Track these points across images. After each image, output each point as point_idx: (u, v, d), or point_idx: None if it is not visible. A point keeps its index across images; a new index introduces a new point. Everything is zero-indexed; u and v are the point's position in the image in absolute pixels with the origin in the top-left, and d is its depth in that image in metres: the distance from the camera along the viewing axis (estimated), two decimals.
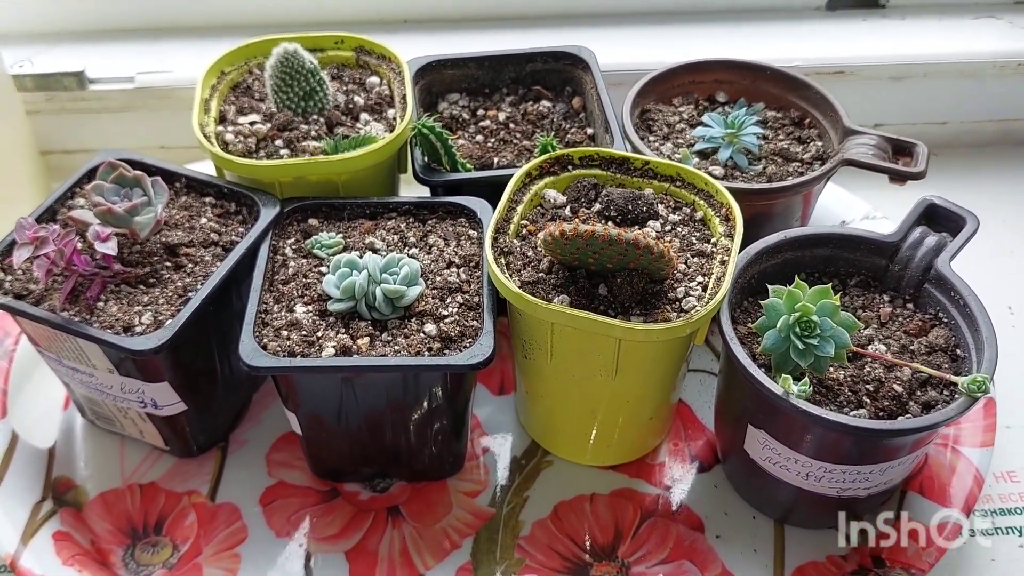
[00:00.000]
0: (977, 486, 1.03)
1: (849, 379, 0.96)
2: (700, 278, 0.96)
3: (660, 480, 1.10)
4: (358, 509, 1.07)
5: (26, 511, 1.02)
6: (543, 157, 1.05)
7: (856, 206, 1.31)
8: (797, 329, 0.93)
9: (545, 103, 1.25)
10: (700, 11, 1.55)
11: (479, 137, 1.21)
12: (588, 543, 1.04)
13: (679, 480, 1.10)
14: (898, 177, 1.10)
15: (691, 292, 0.95)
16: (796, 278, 0.96)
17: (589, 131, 1.20)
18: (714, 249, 0.99)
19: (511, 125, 1.22)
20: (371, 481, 1.09)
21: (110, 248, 0.94)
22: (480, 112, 1.24)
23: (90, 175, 1.08)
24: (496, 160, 1.16)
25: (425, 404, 0.98)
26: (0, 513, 1.00)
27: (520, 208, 1.02)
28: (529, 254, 0.98)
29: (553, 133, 1.21)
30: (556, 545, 1.04)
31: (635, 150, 1.12)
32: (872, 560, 1.01)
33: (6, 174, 1.33)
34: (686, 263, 0.98)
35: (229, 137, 1.10)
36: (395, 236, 1.05)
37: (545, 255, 0.97)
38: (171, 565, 1.02)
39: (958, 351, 0.98)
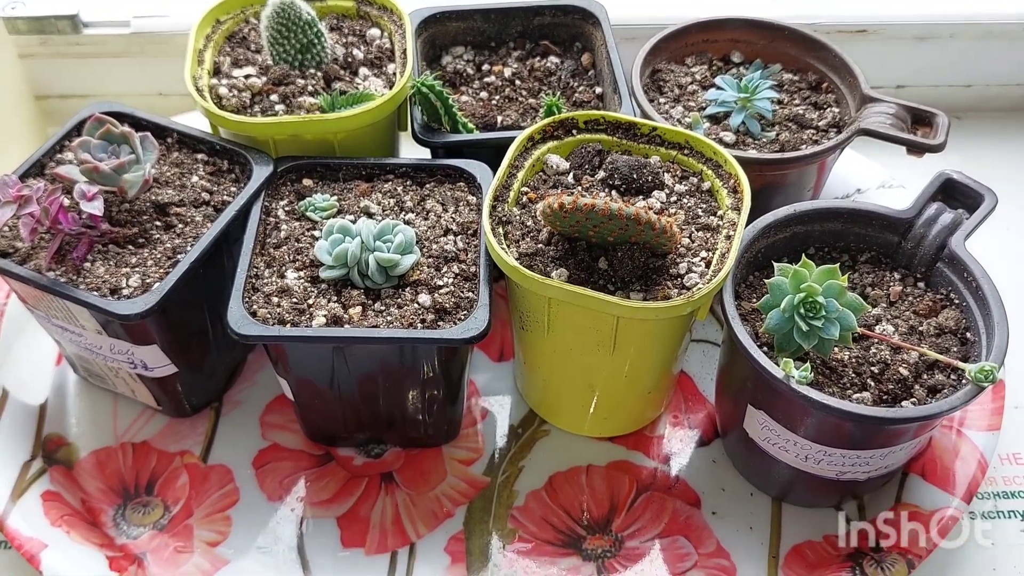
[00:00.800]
0: (981, 471, 1.00)
1: (854, 360, 0.93)
2: (704, 253, 0.93)
3: (658, 453, 1.08)
4: (351, 474, 1.06)
5: (15, 470, 1.01)
6: (546, 121, 1.01)
7: (872, 174, 1.27)
8: (802, 310, 0.90)
9: (553, 59, 1.20)
10: None
11: (483, 94, 1.17)
12: (583, 515, 1.03)
13: (677, 454, 1.08)
14: (916, 149, 1.06)
15: (694, 268, 0.92)
16: (803, 256, 0.93)
17: (598, 90, 1.16)
18: (720, 222, 0.96)
19: (517, 82, 1.18)
20: (365, 446, 1.08)
21: (96, 208, 0.92)
22: (485, 67, 1.20)
23: (79, 128, 1.05)
24: (500, 119, 1.12)
25: (419, 375, 0.96)
26: None
27: (521, 174, 0.99)
28: (528, 223, 0.95)
29: (560, 92, 1.17)
30: (550, 517, 1.03)
31: (643, 113, 1.08)
32: (869, 546, 0.99)
33: (1, 120, 1.30)
34: (690, 237, 0.95)
35: (223, 91, 1.07)
36: (391, 200, 1.02)
37: (545, 225, 0.94)
38: (162, 526, 1.01)
39: (968, 334, 0.95)
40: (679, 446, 1.09)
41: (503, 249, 0.91)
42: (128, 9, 1.34)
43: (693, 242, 0.94)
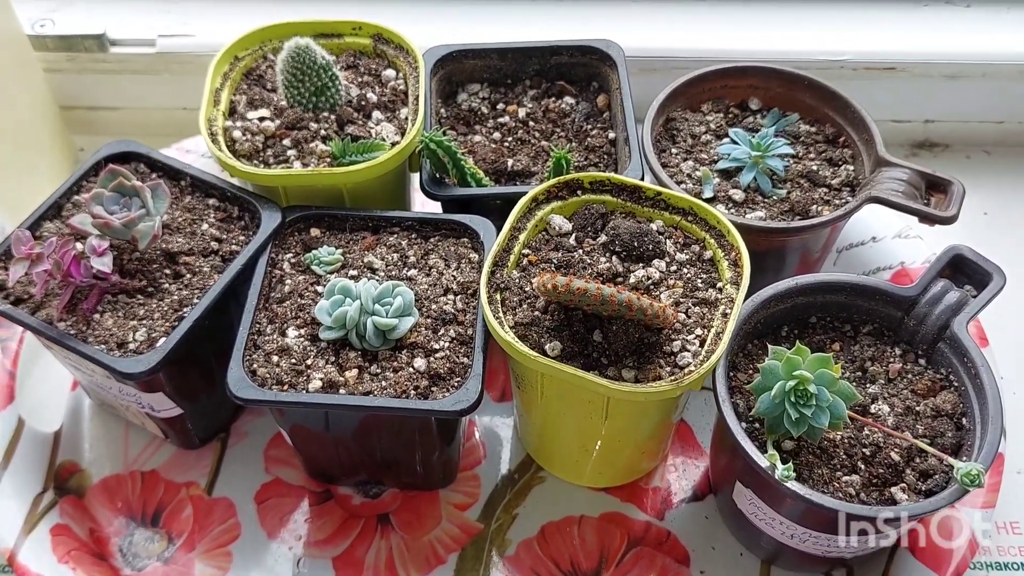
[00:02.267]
0: (971, 551, 1.00)
1: (846, 441, 0.94)
2: (699, 330, 0.93)
3: (651, 506, 1.09)
4: (349, 514, 1.09)
5: (27, 503, 1.05)
6: (551, 182, 1.01)
7: (889, 222, 1.25)
8: (792, 397, 0.90)
9: (568, 99, 1.20)
10: None
11: (496, 135, 1.17)
12: (572, 568, 1.05)
13: (670, 508, 1.09)
14: (927, 219, 1.04)
15: (688, 346, 0.92)
16: (798, 340, 0.93)
17: (611, 135, 1.15)
18: (718, 296, 0.96)
19: (530, 123, 1.18)
20: (363, 486, 1.10)
21: (105, 264, 0.94)
22: (500, 106, 1.20)
23: (96, 168, 1.07)
24: (511, 163, 1.13)
25: (414, 435, 0.98)
26: (3, 506, 1.04)
27: (523, 236, 0.99)
28: (527, 289, 0.96)
29: (573, 135, 1.16)
30: (539, 568, 1.05)
31: (652, 170, 1.08)
32: None
33: (26, 129, 1.32)
34: (687, 312, 0.95)
35: (237, 134, 1.08)
36: (395, 255, 1.03)
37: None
38: (165, 559, 1.05)
39: (964, 420, 0.95)
40: (673, 500, 1.10)
41: (498, 321, 0.92)
42: (154, 27, 1.35)
43: (689, 318, 0.94)
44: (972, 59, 1.33)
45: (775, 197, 1.09)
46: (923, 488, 0.91)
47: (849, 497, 0.90)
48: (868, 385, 0.98)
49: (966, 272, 1.01)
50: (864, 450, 0.93)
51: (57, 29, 1.33)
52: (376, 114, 1.12)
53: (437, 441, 1.01)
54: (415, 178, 1.16)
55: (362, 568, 1.05)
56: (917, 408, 0.96)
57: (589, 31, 1.22)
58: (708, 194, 1.09)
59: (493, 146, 1.15)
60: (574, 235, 1.01)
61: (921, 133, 1.41)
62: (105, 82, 1.38)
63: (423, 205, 1.20)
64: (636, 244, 0.98)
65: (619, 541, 1.07)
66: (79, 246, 0.98)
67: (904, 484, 0.91)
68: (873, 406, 0.96)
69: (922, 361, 1.00)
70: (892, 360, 1.00)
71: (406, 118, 1.12)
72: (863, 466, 0.92)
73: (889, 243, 1.24)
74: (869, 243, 1.24)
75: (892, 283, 1.01)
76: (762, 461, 0.88)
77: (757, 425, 0.94)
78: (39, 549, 1.02)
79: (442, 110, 1.18)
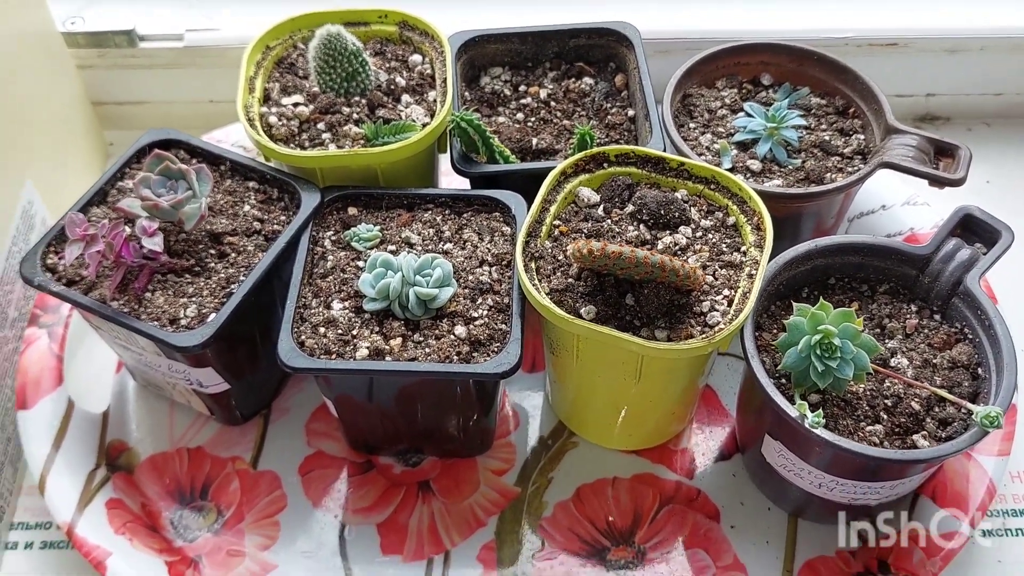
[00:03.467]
0: (989, 496, 1.05)
1: (868, 393, 0.98)
2: (727, 291, 0.98)
3: (681, 466, 1.14)
4: (391, 483, 1.13)
5: (82, 479, 1.09)
6: (578, 156, 1.06)
7: (898, 190, 1.30)
8: (818, 351, 0.94)
9: (587, 80, 1.24)
10: None
11: (519, 115, 1.21)
12: (607, 527, 1.09)
13: (699, 467, 1.14)
14: (936, 183, 1.09)
15: (716, 306, 0.97)
16: (825, 285, 0.97)
17: (630, 112, 1.20)
18: (743, 259, 1.00)
19: (552, 103, 1.22)
20: (404, 455, 1.15)
21: (156, 244, 0.98)
22: (522, 88, 1.24)
23: (139, 156, 1.11)
24: (535, 142, 1.17)
25: (455, 399, 1.03)
26: (58, 483, 1.08)
27: (553, 208, 1.04)
28: (560, 257, 1.00)
29: (593, 114, 1.21)
30: (576, 528, 1.09)
31: (673, 145, 1.12)
32: (878, 564, 1.04)
33: (61, 125, 1.36)
34: (714, 275, 0.99)
35: (273, 120, 1.12)
36: (431, 230, 1.07)
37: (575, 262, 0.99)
38: (216, 530, 1.09)
39: (979, 370, 0.99)
40: (701, 460, 1.14)
41: (535, 287, 0.97)
42: (181, 22, 1.39)
43: (716, 280, 0.99)
44: (971, 33, 1.38)
45: (790, 166, 1.14)
46: (943, 435, 0.95)
47: (873, 445, 0.95)
48: (887, 340, 1.03)
49: (975, 231, 1.05)
50: (886, 401, 0.98)
51: (88, 26, 1.37)
52: (405, 97, 1.16)
53: (476, 407, 1.05)
54: (442, 159, 1.21)
55: (406, 533, 1.09)
56: (934, 360, 1.01)
57: (601, 15, 1.27)
58: (727, 165, 1.14)
59: (517, 126, 1.19)
60: (602, 206, 1.05)
61: (923, 107, 1.46)
62: (134, 77, 1.42)
63: (449, 184, 1.25)
64: (663, 212, 1.02)
65: (651, 500, 1.11)
66: (127, 229, 1.02)
67: (925, 432, 0.96)
68: (893, 360, 1.01)
69: (937, 316, 1.05)
70: (909, 316, 1.04)
71: (434, 100, 1.16)
72: (885, 416, 0.97)
73: (898, 210, 1.29)
74: (879, 211, 1.29)
75: (906, 243, 1.06)
76: (792, 411, 0.93)
77: (784, 380, 0.99)
78: (96, 522, 1.06)
79: (466, 93, 1.23)
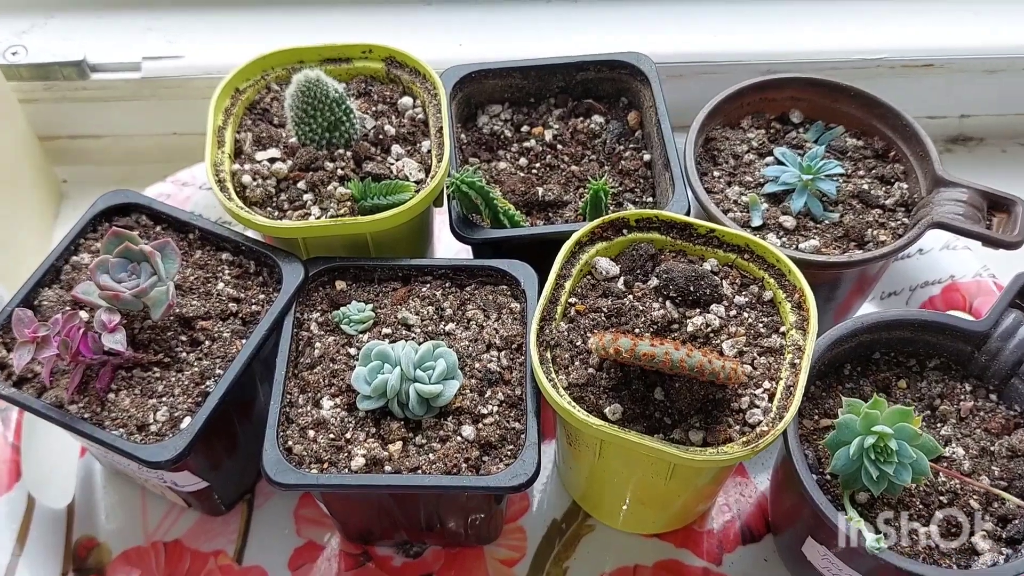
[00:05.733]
0: None
1: (922, 490, 0.88)
2: (767, 383, 0.87)
3: (708, 551, 1.04)
4: None
5: None
6: (595, 223, 0.94)
7: (935, 234, 1.17)
8: (872, 455, 0.84)
9: (597, 118, 1.12)
10: None
11: (522, 160, 1.09)
12: None
13: (727, 551, 1.04)
14: (991, 244, 0.99)
15: (756, 401, 0.86)
16: (875, 396, 0.86)
17: (646, 156, 1.08)
18: (783, 343, 0.89)
19: (558, 146, 1.10)
20: (403, 546, 1.04)
21: (119, 343, 0.86)
22: (524, 128, 1.12)
23: (94, 224, 0.99)
24: (541, 192, 1.05)
25: (460, 502, 0.92)
26: None
27: (568, 283, 0.92)
28: (578, 343, 0.89)
29: (605, 158, 1.09)
30: None
31: (699, 201, 1.00)
32: None
33: (5, 165, 1.22)
34: (752, 363, 0.88)
35: (247, 179, 0.99)
36: (430, 307, 0.95)
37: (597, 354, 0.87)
38: None
39: None
40: (729, 543, 1.05)
41: (552, 384, 0.85)
42: (137, 49, 1.24)
43: (756, 369, 0.88)
44: (1012, 53, 1.26)
45: (827, 221, 1.03)
46: (1003, 535, 0.86)
47: (929, 550, 0.85)
48: (939, 425, 0.93)
49: None
50: (941, 498, 0.88)
51: (31, 57, 1.22)
52: (395, 148, 1.03)
53: (485, 507, 0.94)
54: (436, 213, 1.09)
55: None
56: (992, 448, 0.91)
57: (604, 36, 1.14)
58: (757, 222, 1.02)
59: (521, 175, 1.07)
60: (622, 279, 0.94)
61: (956, 128, 1.35)
62: (86, 110, 1.28)
63: (443, 242, 1.13)
64: (692, 288, 0.91)
65: None
66: (83, 315, 0.90)
67: (983, 531, 0.86)
68: (947, 448, 0.91)
69: (993, 396, 0.95)
70: (963, 397, 0.94)
71: (428, 151, 1.03)
72: (940, 515, 0.87)
73: (936, 255, 1.18)
74: (916, 256, 1.18)
75: (960, 317, 0.95)
76: (847, 528, 0.83)
77: (828, 476, 0.89)
78: None
79: (462, 135, 1.10)
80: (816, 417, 0.93)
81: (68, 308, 0.92)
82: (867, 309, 1.15)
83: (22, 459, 1.05)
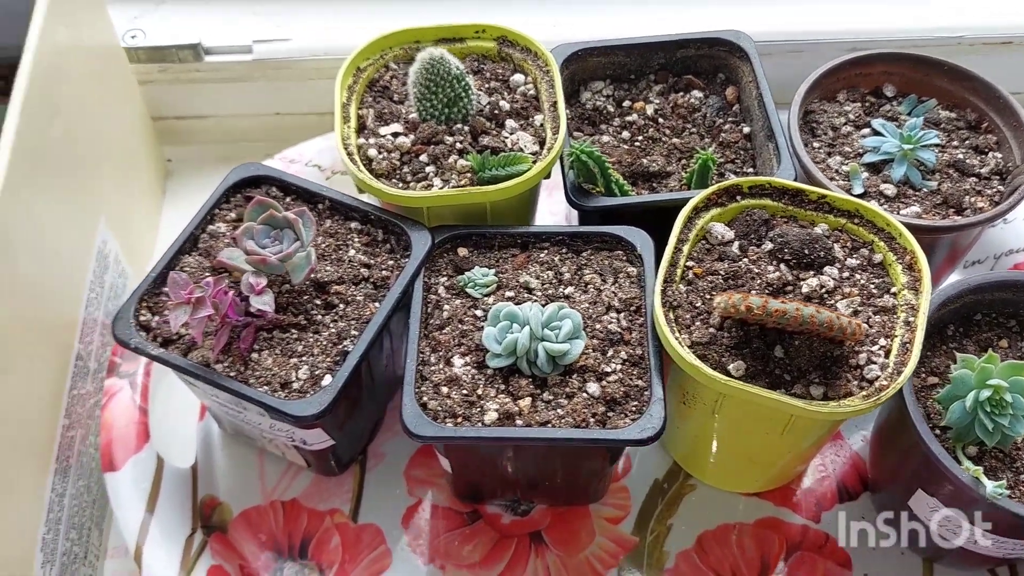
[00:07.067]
0: None
1: None
2: (883, 340, 0.91)
3: (806, 509, 1.08)
4: (501, 534, 1.06)
5: (180, 547, 1.02)
6: (710, 190, 0.98)
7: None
8: (987, 407, 0.88)
9: (696, 93, 1.15)
10: None
11: (625, 134, 1.13)
12: None
13: (824, 509, 1.08)
14: None
15: (873, 358, 0.90)
16: (990, 350, 0.90)
17: (745, 129, 1.12)
18: (896, 303, 0.93)
19: (659, 120, 1.14)
20: (513, 504, 1.08)
21: (267, 304, 0.90)
22: (626, 103, 1.15)
23: (227, 195, 1.03)
24: (646, 163, 1.09)
25: (583, 455, 0.96)
26: (156, 554, 1.01)
27: (686, 248, 0.96)
28: (697, 304, 0.93)
29: (705, 131, 1.12)
30: None
31: (806, 170, 1.04)
32: None
33: (123, 147, 1.26)
34: (867, 321, 0.92)
35: (372, 152, 1.03)
36: (549, 272, 0.99)
37: (717, 312, 0.91)
38: None
39: None
40: (827, 502, 1.08)
41: (678, 342, 0.89)
42: (248, 33, 1.28)
43: (871, 327, 0.92)
44: None
45: (926, 190, 1.06)
46: None
47: None
48: None
49: None
50: None
51: (150, 40, 1.26)
52: (509, 123, 1.07)
53: (605, 461, 0.98)
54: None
55: None
56: None
57: (689, 15, 1.18)
58: (858, 190, 1.06)
59: (626, 147, 1.11)
60: (737, 243, 0.98)
61: None
62: (197, 91, 1.32)
63: (545, 211, 1.17)
64: (807, 251, 0.95)
65: (778, 547, 1.05)
66: (229, 289, 0.94)
67: None
68: None
69: None
70: None
71: (541, 125, 1.07)
72: None
73: (1019, 224, 1.21)
74: (1000, 224, 1.21)
75: None
76: (966, 477, 0.86)
77: (938, 431, 0.92)
78: None
79: (567, 110, 1.14)
80: (923, 375, 0.97)
81: (208, 274, 0.96)
82: (954, 279, 1.19)
83: (151, 422, 1.09)
